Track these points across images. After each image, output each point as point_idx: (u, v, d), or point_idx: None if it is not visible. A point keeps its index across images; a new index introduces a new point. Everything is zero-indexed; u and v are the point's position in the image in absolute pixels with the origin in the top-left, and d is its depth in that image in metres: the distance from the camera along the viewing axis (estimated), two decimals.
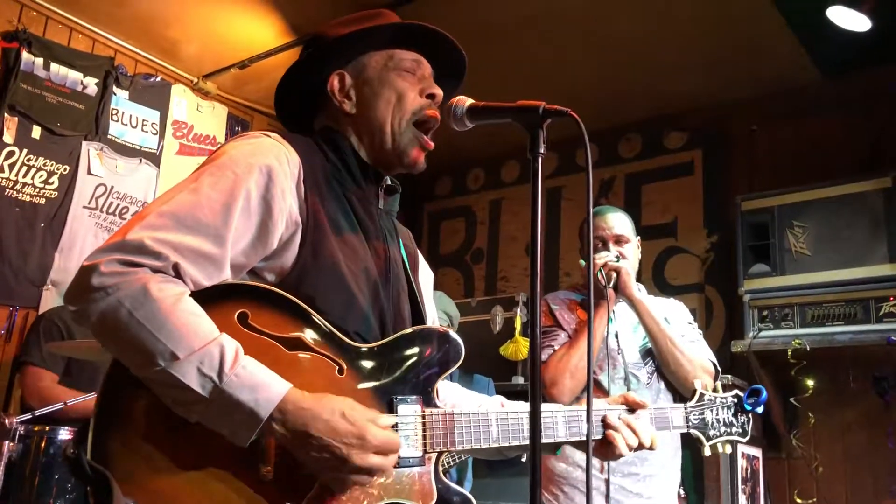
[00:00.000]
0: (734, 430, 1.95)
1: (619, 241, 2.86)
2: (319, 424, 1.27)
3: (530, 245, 1.33)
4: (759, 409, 1.99)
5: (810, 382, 4.05)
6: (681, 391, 2.71)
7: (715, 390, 1.98)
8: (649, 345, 2.80)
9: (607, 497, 2.56)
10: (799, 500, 4.16)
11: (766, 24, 4.06)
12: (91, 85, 4.51)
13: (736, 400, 1.97)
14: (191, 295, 1.29)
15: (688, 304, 4.61)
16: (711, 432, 1.92)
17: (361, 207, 1.57)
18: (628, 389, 2.64)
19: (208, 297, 1.31)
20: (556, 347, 2.77)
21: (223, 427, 1.25)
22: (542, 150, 1.39)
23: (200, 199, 1.34)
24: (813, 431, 4.17)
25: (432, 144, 1.65)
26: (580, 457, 2.61)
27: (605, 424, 1.72)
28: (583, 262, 2.86)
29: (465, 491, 1.50)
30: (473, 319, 4.87)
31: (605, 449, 1.74)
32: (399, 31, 1.65)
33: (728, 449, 1.94)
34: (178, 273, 1.28)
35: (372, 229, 1.58)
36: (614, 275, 2.74)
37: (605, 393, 2.65)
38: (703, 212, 4.94)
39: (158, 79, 4.93)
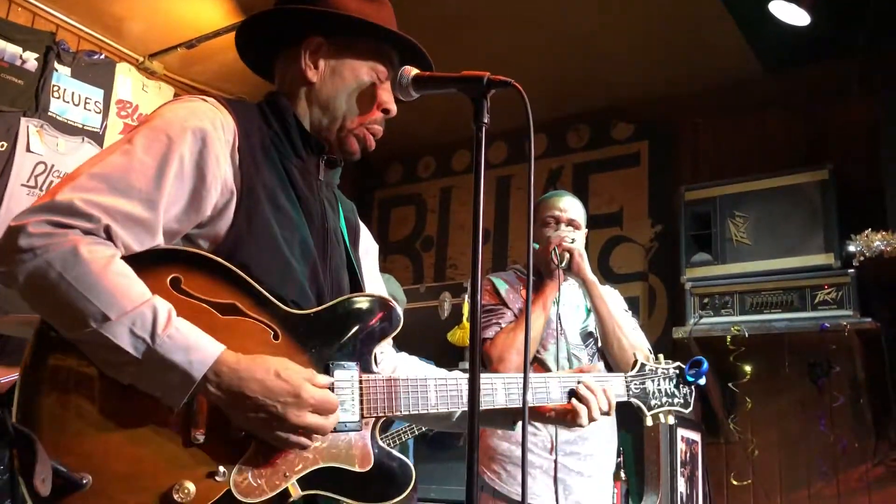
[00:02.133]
0: (676, 400, 1.93)
1: (570, 224, 2.87)
2: (254, 385, 1.27)
3: (473, 214, 1.34)
4: (702, 381, 1.96)
5: (748, 368, 4.16)
6: None
7: (657, 361, 1.96)
8: (590, 327, 2.83)
9: (555, 477, 2.59)
10: (735, 483, 4.27)
11: (713, 18, 4.14)
12: (31, 60, 4.38)
13: (678, 371, 1.95)
14: (123, 259, 1.27)
15: (631, 292, 4.76)
16: (653, 402, 1.89)
17: (301, 177, 1.56)
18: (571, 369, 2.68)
19: (140, 262, 1.29)
20: (503, 325, 2.77)
21: (155, 389, 1.24)
22: (485, 121, 1.41)
23: (133, 163, 1.32)
24: (750, 416, 4.28)
25: (373, 146, 1.67)
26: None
27: (573, 394, 1.74)
28: (536, 246, 2.85)
29: (404, 457, 1.50)
30: (422, 306, 4.88)
31: (563, 419, 1.77)
32: (396, 40, 1.64)
33: (671, 419, 1.91)
34: (109, 236, 1.27)
35: (310, 200, 1.57)
36: (567, 255, 2.74)
37: (548, 371, 2.68)
38: (648, 202, 5.02)
39: (103, 56, 4.80)
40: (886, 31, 4.00)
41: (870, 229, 3.69)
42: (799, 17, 3.82)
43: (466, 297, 4.76)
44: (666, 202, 4.88)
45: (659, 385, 1.92)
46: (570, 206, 2.90)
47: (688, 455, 4.11)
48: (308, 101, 1.61)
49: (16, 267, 1.20)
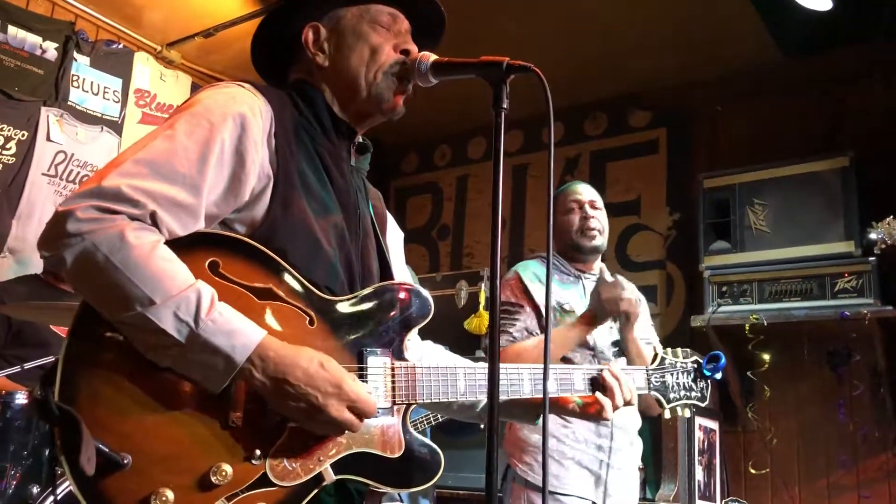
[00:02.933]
0: (693, 394, 1.98)
1: (593, 205, 2.90)
2: (298, 372, 1.28)
3: (492, 200, 1.33)
4: (718, 375, 2.01)
5: (767, 357, 4.16)
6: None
7: (675, 355, 2.00)
8: (617, 336, 2.83)
9: (603, 477, 2.63)
10: (753, 472, 4.27)
11: (732, 4, 4.11)
12: (50, 49, 4.40)
13: (696, 365, 2.00)
14: (165, 243, 1.29)
15: (649, 280, 4.75)
16: (671, 395, 1.95)
17: (332, 163, 1.56)
18: None
19: (180, 245, 1.31)
20: (515, 335, 2.68)
21: (197, 372, 1.26)
22: (504, 106, 1.40)
23: (176, 148, 1.33)
24: (768, 404, 4.27)
25: (410, 89, 1.63)
26: (555, 427, 2.62)
27: (596, 384, 1.76)
28: (604, 270, 2.65)
29: (432, 443, 1.51)
30: (438, 294, 4.89)
31: (587, 413, 1.78)
32: None
33: (687, 413, 1.97)
34: (154, 221, 1.29)
35: (342, 185, 1.57)
36: (624, 317, 2.63)
37: None
38: (666, 190, 5.01)
39: (121, 46, 4.83)
40: None
41: (891, 216, 3.65)
42: (820, 2, 3.79)
43: (483, 285, 4.77)
44: (684, 190, 4.86)
45: (678, 378, 1.97)
46: (587, 190, 2.95)
47: (706, 443, 4.11)
48: (329, 84, 1.61)
49: (64, 251, 1.22)
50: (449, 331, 4.64)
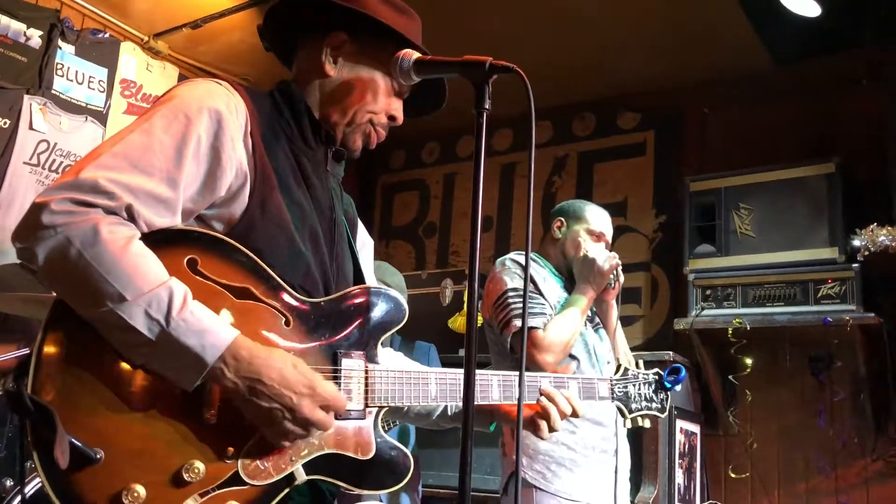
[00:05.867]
0: (654, 405, 2.03)
1: (608, 244, 2.97)
2: (272, 373, 1.28)
3: (472, 204, 1.33)
4: (678, 388, 2.09)
5: (749, 361, 4.16)
6: None
7: (637, 366, 2.05)
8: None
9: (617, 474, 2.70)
10: (733, 475, 4.28)
11: (721, 8, 4.12)
12: (35, 37, 4.35)
13: (657, 377, 2.05)
14: (142, 238, 1.28)
15: (634, 282, 4.76)
16: (633, 406, 1.99)
17: (309, 166, 1.57)
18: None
19: (158, 241, 1.30)
20: (548, 315, 2.71)
21: (168, 370, 1.25)
22: (486, 106, 1.40)
23: (153, 142, 1.33)
24: (749, 409, 4.28)
25: (374, 146, 1.67)
26: (564, 435, 2.63)
27: (541, 392, 1.73)
28: (590, 254, 2.80)
29: (402, 446, 1.51)
30: (423, 292, 4.89)
31: (535, 423, 1.74)
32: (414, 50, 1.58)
33: (647, 423, 2.02)
34: (131, 215, 1.28)
35: (319, 188, 1.58)
36: (617, 279, 2.83)
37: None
38: (653, 192, 5.01)
39: (107, 35, 4.78)
40: None
41: (875, 224, 3.68)
42: (810, 8, 3.79)
43: (468, 284, 4.76)
44: (671, 193, 4.87)
45: (639, 390, 2.01)
46: (610, 226, 3.00)
47: (686, 447, 4.11)
48: (321, 93, 1.61)
49: (36, 243, 1.21)
50: (433, 328, 4.63)
